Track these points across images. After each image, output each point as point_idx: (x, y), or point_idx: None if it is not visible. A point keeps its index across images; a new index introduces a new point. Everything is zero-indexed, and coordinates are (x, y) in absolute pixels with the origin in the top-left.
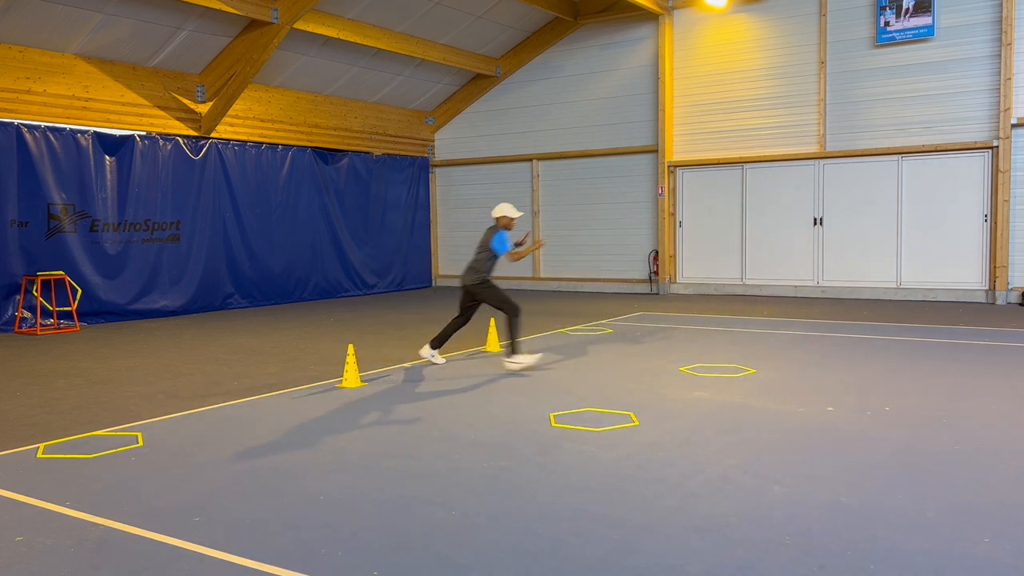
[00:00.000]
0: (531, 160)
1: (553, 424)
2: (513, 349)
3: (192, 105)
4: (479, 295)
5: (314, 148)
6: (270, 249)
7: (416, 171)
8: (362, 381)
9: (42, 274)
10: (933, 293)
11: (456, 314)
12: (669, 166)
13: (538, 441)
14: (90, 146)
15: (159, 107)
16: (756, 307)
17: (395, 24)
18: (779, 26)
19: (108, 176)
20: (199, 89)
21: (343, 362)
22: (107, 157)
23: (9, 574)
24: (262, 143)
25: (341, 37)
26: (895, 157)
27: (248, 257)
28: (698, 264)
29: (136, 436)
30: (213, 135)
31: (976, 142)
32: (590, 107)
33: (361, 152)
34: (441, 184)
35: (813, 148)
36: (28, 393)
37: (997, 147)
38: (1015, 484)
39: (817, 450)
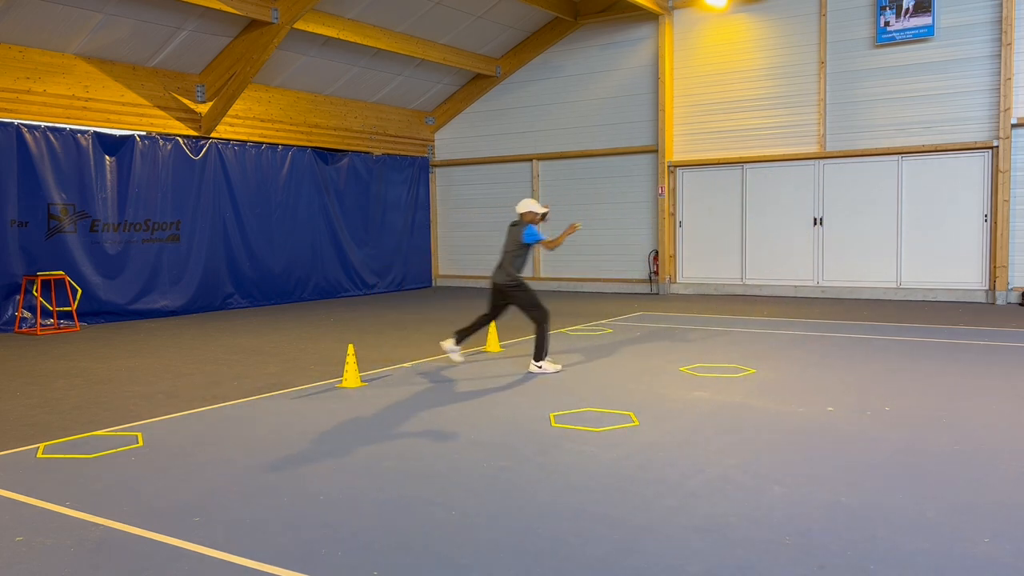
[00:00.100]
0: (531, 160)
1: (553, 424)
2: (539, 354)
3: (192, 105)
4: (511, 296)
5: (314, 148)
6: (270, 249)
7: (416, 171)
8: (362, 381)
9: (42, 274)
10: (933, 293)
11: (485, 311)
12: (669, 166)
13: (538, 441)
14: (90, 146)
15: (159, 107)
16: (756, 307)
17: (395, 24)
18: (779, 26)
19: (108, 176)
20: (199, 89)
21: (343, 362)
22: (107, 157)
23: (9, 574)
24: (262, 143)
25: (341, 37)
26: (895, 157)
27: (248, 257)
28: (698, 264)
29: (136, 436)
30: (213, 135)
31: (976, 142)
32: (590, 107)
33: (361, 152)
34: (441, 184)
35: (813, 148)
36: (28, 393)
37: (997, 147)
38: (1015, 484)
39: (817, 450)
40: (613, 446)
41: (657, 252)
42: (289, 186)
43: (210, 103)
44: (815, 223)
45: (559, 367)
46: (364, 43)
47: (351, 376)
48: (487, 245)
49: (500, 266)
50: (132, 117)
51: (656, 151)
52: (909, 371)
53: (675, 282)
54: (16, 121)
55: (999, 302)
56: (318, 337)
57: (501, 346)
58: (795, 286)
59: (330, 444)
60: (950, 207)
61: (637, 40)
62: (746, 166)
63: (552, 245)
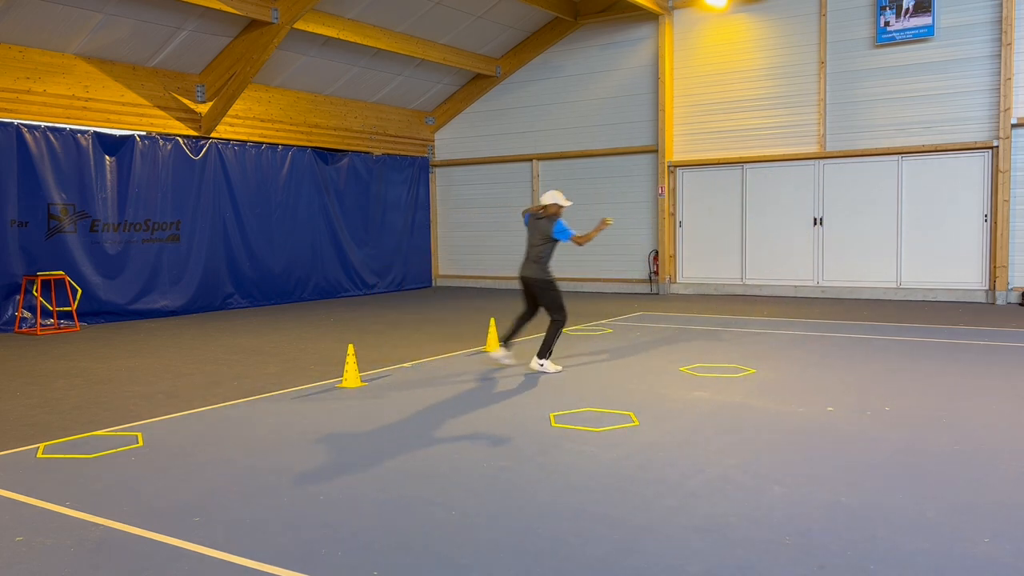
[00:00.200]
0: (531, 160)
1: (553, 424)
2: (544, 352)
3: (192, 105)
4: (539, 291)
5: (314, 148)
6: (270, 249)
7: (416, 171)
8: (362, 381)
9: (42, 274)
10: (933, 293)
11: (522, 310)
12: (669, 166)
13: (538, 441)
14: (90, 146)
15: (159, 107)
16: (756, 307)
17: (395, 24)
18: (779, 26)
19: (108, 176)
20: (199, 89)
21: (343, 362)
22: (107, 157)
23: (9, 574)
24: (262, 143)
25: (341, 37)
26: (895, 157)
27: (248, 257)
28: (698, 264)
29: (136, 436)
30: (213, 135)
31: (976, 142)
32: (590, 107)
33: (361, 152)
34: (441, 184)
35: (813, 148)
36: (28, 393)
37: (997, 147)
38: (1015, 484)
39: (817, 450)
40: (613, 446)
41: (657, 252)
42: (289, 186)
43: (210, 103)
44: (815, 223)
45: (560, 368)
46: (364, 43)
47: (351, 376)
48: (487, 245)
49: (529, 260)
50: (132, 117)
51: (656, 151)
52: (909, 371)
53: (675, 282)
54: (16, 121)
55: (999, 302)
56: (318, 337)
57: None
58: (795, 286)
59: (330, 444)
60: (950, 207)
61: (637, 40)
62: (746, 166)
63: (583, 241)
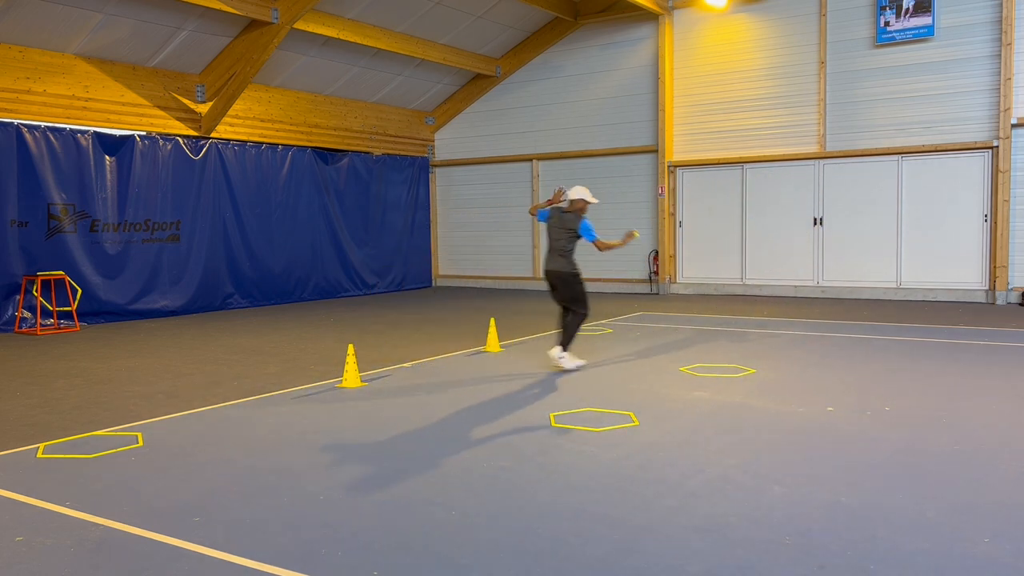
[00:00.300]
0: (531, 160)
1: (553, 424)
2: (565, 345)
3: (192, 105)
4: (565, 283)
5: (314, 148)
6: (270, 249)
7: (416, 171)
8: (362, 381)
9: (42, 274)
10: (933, 293)
11: (560, 309)
12: (669, 166)
13: (538, 441)
14: (90, 146)
15: (159, 107)
16: (756, 307)
17: (395, 24)
18: (779, 26)
19: (108, 176)
20: (199, 89)
21: (343, 362)
22: (107, 157)
23: (9, 574)
24: (262, 143)
25: (341, 37)
26: (895, 157)
27: (248, 257)
28: (698, 264)
29: (136, 436)
30: (213, 135)
31: (976, 142)
32: (590, 107)
33: (361, 152)
34: (441, 184)
35: (813, 148)
36: (28, 393)
37: (997, 147)
38: (1015, 484)
39: (817, 450)
40: (613, 446)
41: (657, 252)
42: (289, 186)
43: (210, 103)
44: (815, 223)
45: (582, 363)
46: (364, 43)
47: (351, 376)
48: (487, 245)
49: (555, 254)
50: (132, 117)
51: (656, 151)
52: (909, 371)
53: (675, 282)
54: (16, 121)
55: (999, 302)
56: (318, 337)
57: (501, 346)
58: (795, 286)
59: (330, 444)
60: (950, 207)
61: (637, 40)
62: (746, 166)
63: (603, 247)
